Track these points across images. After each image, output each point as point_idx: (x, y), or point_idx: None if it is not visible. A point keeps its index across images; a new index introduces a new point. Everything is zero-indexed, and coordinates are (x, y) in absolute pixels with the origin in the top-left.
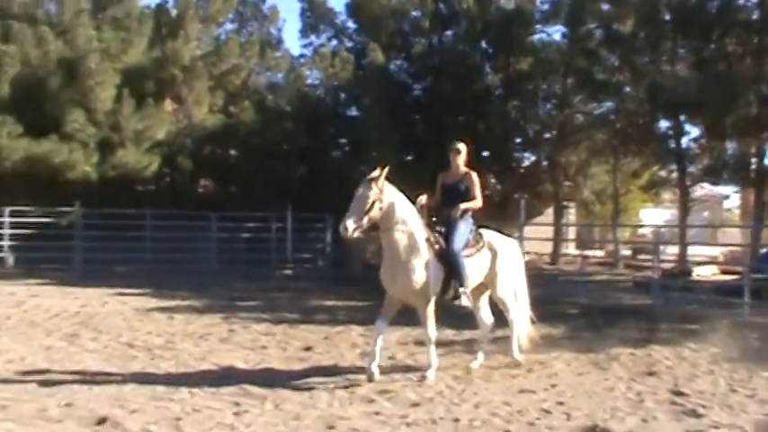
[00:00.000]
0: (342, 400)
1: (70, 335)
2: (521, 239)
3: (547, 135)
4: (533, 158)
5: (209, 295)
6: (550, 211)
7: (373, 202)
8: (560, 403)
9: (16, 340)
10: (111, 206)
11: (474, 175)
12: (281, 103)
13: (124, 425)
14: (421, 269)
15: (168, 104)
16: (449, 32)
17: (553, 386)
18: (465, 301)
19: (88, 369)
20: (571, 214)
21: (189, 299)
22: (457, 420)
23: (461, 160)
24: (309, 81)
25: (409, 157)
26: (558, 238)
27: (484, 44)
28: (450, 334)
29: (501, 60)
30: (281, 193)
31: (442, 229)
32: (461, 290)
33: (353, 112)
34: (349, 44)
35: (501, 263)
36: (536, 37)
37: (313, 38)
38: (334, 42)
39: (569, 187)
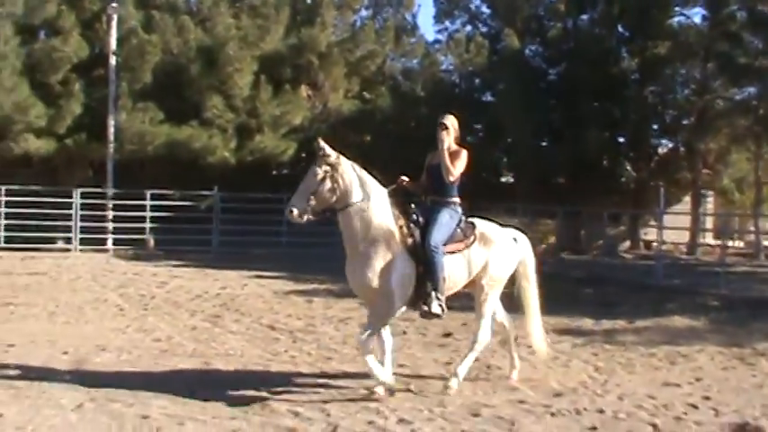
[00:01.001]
0: (485, 388)
1: (213, 316)
2: (660, 228)
3: (685, 121)
4: (671, 145)
5: (345, 280)
6: (687, 199)
7: (323, 179)
8: (707, 398)
9: (162, 320)
10: (247, 190)
11: (463, 153)
12: (415, 89)
13: (271, 406)
14: (381, 264)
15: (304, 90)
16: (584, 16)
17: (698, 380)
18: (436, 307)
19: (233, 350)
20: (709, 203)
21: (326, 282)
22: (602, 412)
23: (451, 137)
24: (444, 67)
25: (544, 143)
26: (695, 228)
27: (620, 28)
28: (589, 323)
29: (638, 44)
30: (414, 178)
31: (421, 219)
32: (434, 294)
33: (488, 97)
34: (483, 29)
35: (495, 261)
36: (675, 20)
37: (447, 23)
38: (469, 28)
39: (708, 175)
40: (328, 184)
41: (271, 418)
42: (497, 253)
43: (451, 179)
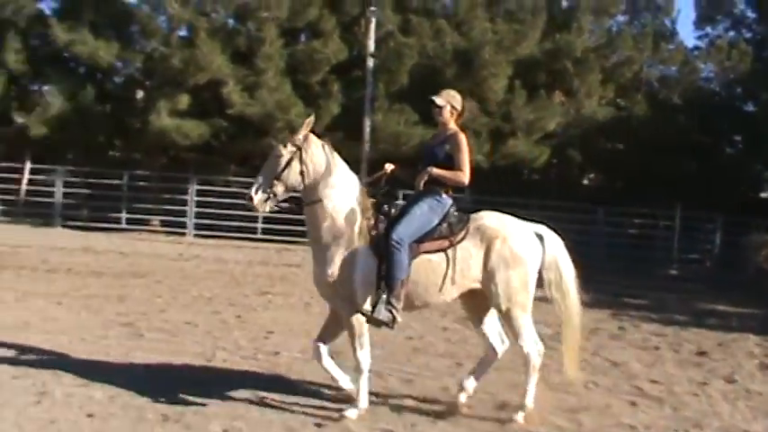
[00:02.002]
0: (743, 412)
1: (465, 318)
2: None
3: None
4: None
5: (594, 288)
6: None
7: (289, 163)
8: None
9: (413, 318)
10: (497, 195)
11: (461, 137)
12: (672, 97)
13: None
14: (340, 259)
15: (558, 96)
16: None
17: None
18: (382, 313)
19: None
20: None
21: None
22: None
23: (445, 117)
24: (703, 74)
25: None
26: None
27: None
28: None
29: None
30: (668, 190)
31: (393, 210)
32: (385, 296)
33: (750, 107)
34: (747, 35)
35: (501, 260)
36: None
37: (708, 29)
38: (732, 33)
39: None
40: (296, 166)
41: None
42: (506, 252)
43: (466, 181)
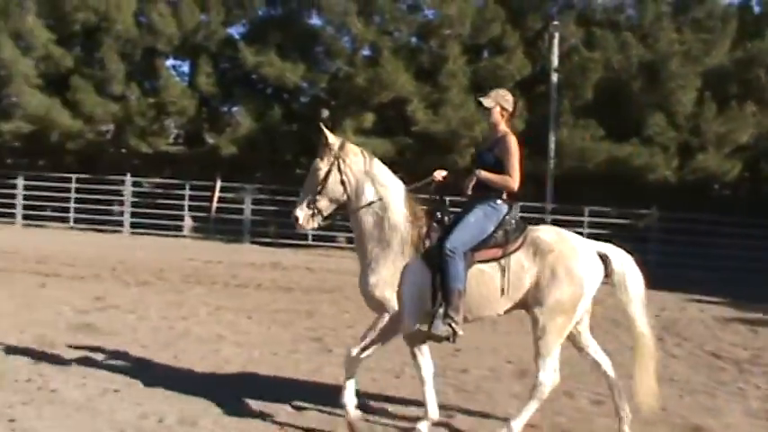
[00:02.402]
0: None
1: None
2: None
3: None
4: None
5: None
6: None
7: (328, 173)
8: None
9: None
10: (685, 210)
11: (510, 140)
12: None
13: None
14: (390, 272)
15: (750, 107)
16: None
17: None
18: (439, 327)
19: (675, 375)
20: None
21: None
22: None
23: (495, 119)
24: None
25: None
26: None
27: None
28: None
29: None
30: None
31: (448, 219)
32: (442, 310)
33: None
34: None
35: (552, 276)
36: None
37: None
38: None
39: None
40: (336, 176)
41: None
42: (559, 268)
43: (514, 186)
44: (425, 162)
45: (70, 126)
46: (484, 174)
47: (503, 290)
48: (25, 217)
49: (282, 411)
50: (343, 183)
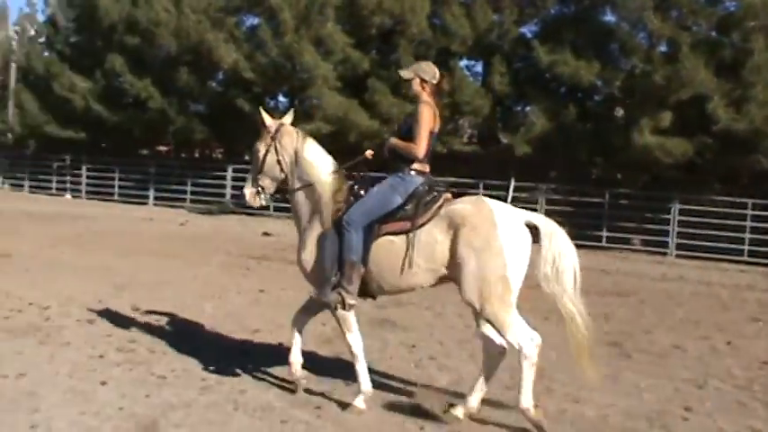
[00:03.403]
0: None
1: None
2: None
3: None
4: None
5: None
6: None
7: (266, 155)
8: None
9: None
10: None
11: (422, 109)
12: None
13: None
14: (312, 244)
15: None
16: None
17: None
18: (326, 294)
19: None
20: None
21: None
22: None
23: (414, 90)
24: None
25: None
26: None
27: None
28: None
29: None
30: None
31: (363, 192)
32: (334, 280)
33: None
34: None
35: (470, 249)
36: None
37: None
38: None
39: None
40: (273, 157)
41: None
42: (477, 240)
43: (418, 153)
44: (726, 162)
45: (368, 126)
46: (393, 141)
47: (416, 263)
48: None
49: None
50: (279, 162)
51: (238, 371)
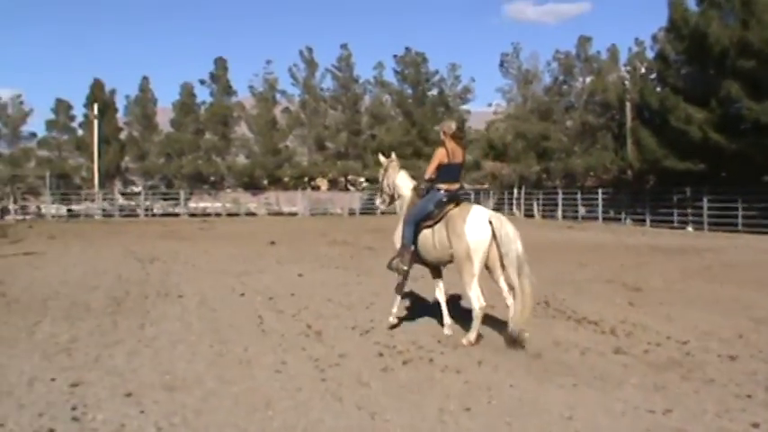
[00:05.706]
0: None
1: None
2: None
3: None
4: None
5: None
6: None
7: (382, 179)
8: None
9: None
10: None
11: (435, 150)
12: None
13: None
14: (399, 229)
15: None
16: None
17: None
18: (393, 264)
19: None
20: None
21: None
22: None
23: (440, 138)
24: None
25: None
26: None
27: None
28: None
29: None
30: None
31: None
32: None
33: None
34: None
35: (454, 237)
36: None
37: None
38: None
39: None
40: (385, 181)
41: None
42: (454, 232)
43: (425, 176)
44: None
45: None
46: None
47: (435, 245)
48: None
49: None
50: (388, 184)
51: None
